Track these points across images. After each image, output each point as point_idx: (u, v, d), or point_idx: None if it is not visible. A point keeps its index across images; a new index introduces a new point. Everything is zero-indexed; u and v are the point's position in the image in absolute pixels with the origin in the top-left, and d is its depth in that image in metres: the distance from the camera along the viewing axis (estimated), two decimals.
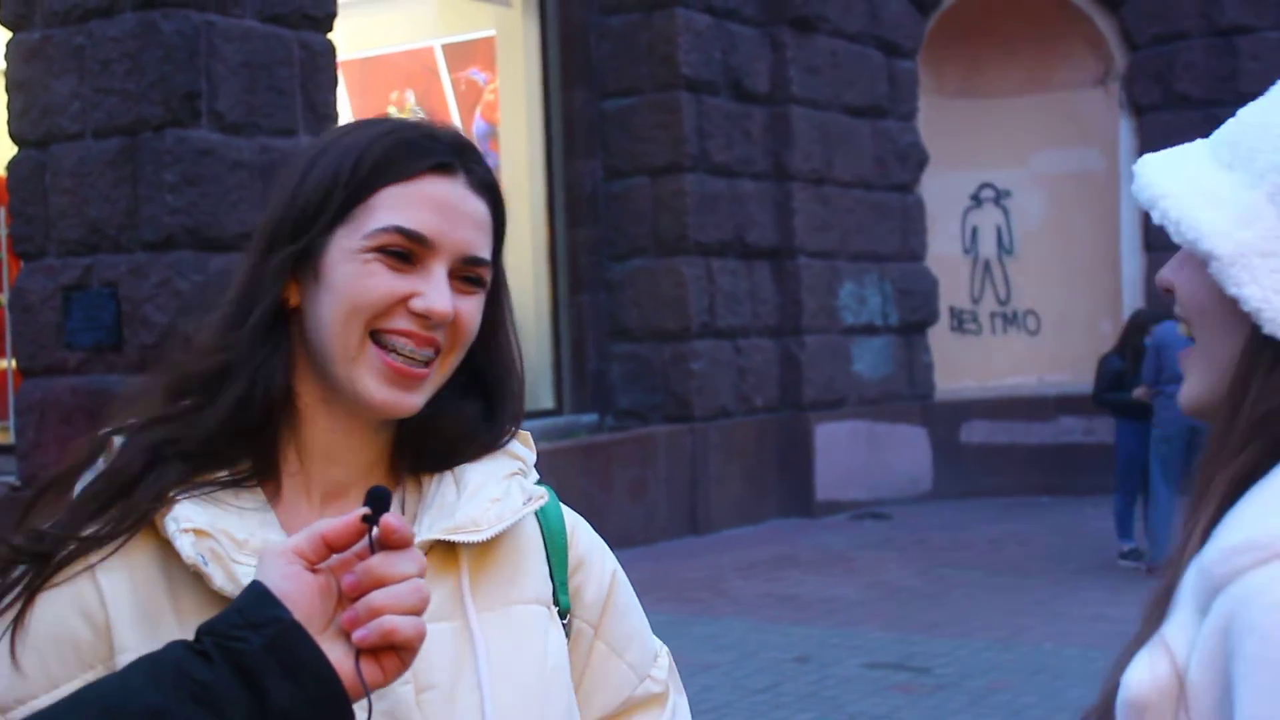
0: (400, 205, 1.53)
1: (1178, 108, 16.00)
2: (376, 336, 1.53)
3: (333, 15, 10.23)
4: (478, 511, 1.55)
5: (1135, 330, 11.63)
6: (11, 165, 10.00)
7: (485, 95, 14.11)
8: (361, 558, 1.38)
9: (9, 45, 9.92)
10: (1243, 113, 1.44)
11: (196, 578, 1.46)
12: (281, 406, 1.56)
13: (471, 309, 1.57)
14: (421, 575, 1.39)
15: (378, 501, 1.38)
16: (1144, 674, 1.27)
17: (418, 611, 1.36)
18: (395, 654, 1.35)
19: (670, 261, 12.93)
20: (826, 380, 14.03)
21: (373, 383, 1.52)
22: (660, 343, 13.00)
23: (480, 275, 1.58)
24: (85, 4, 9.50)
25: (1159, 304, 12.54)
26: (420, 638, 1.36)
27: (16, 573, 1.48)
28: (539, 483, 1.66)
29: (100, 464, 1.55)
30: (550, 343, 13.22)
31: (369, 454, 1.60)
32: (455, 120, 13.95)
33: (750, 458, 13.28)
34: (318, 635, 1.33)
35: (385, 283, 1.52)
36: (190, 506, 1.49)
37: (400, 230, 1.52)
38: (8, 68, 9.97)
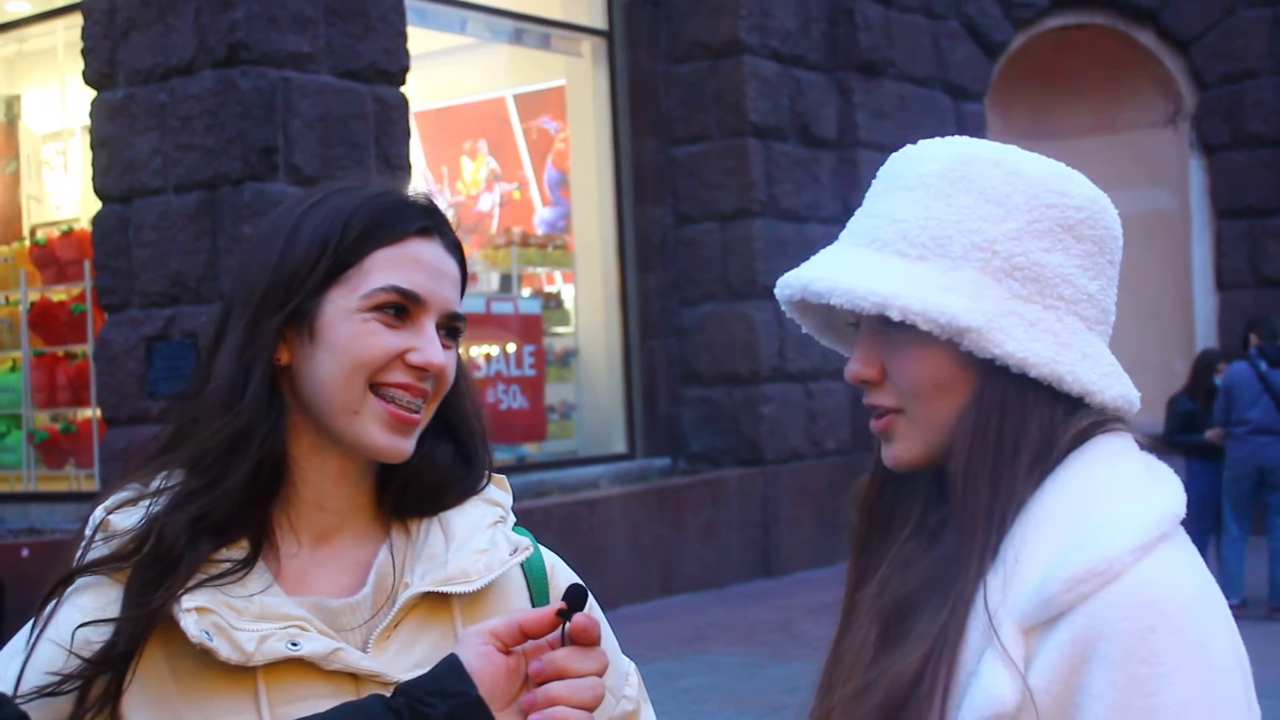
0: (393, 266, 1.64)
1: (1248, 146, 15.96)
2: (375, 389, 1.63)
3: (405, 69, 10.43)
4: (467, 563, 1.66)
5: (1204, 370, 11.58)
6: (96, 220, 10.25)
7: (556, 144, 14.28)
8: (553, 647, 1.53)
9: (93, 104, 10.19)
10: (891, 212, 1.65)
11: (198, 652, 1.55)
12: (280, 464, 1.65)
13: (453, 359, 1.70)
14: (601, 674, 1.54)
15: (575, 599, 1.54)
16: (1005, 689, 1.47)
17: (590, 707, 1.52)
18: None
19: (740, 306, 13.02)
20: None
21: (377, 431, 1.63)
22: (731, 386, 13.07)
23: (459, 329, 1.71)
24: (166, 63, 9.75)
25: (1229, 344, 12.50)
26: None
27: (100, 688, 1.56)
28: (517, 527, 1.77)
29: (99, 539, 1.63)
30: (622, 387, 13.33)
31: (357, 499, 1.71)
32: (527, 168, 14.18)
33: (822, 500, 13.30)
34: (498, 711, 1.50)
35: (385, 340, 1.63)
36: (199, 592, 1.57)
37: (398, 290, 1.63)
38: (92, 125, 10.24)
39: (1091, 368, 1.62)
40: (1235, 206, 16.30)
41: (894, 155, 1.74)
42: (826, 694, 1.72)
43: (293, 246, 1.65)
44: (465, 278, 1.74)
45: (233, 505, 1.61)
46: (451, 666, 1.50)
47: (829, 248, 1.72)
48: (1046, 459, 1.60)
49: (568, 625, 1.52)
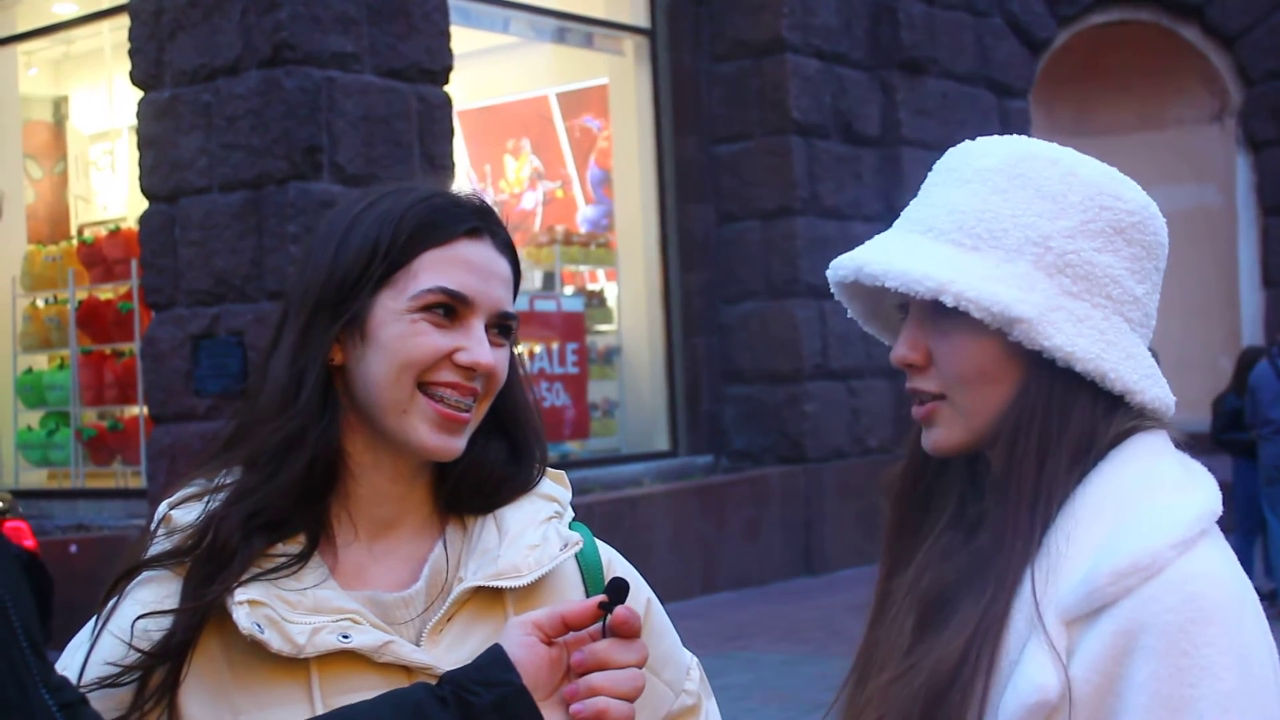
0: (441, 267, 1.67)
1: None
2: (424, 388, 1.66)
3: (449, 68, 10.47)
4: (518, 558, 1.68)
5: (1248, 367, 11.49)
6: (143, 219, 10.34)
7: (599, 142, 14.30)
8: (594, 638, 1.56)
9: (140, 104, 10.27)
10: (949, 202, 1.69)
11: (252, 644, 1.58)
12: (334, 462, 1.68)
13: (503, 359, 1.72)
14: (641, 665, 1.57)
15: (617, 592, 1.56)
16: (1049, 679, 1.51)
17: (631, 698, 1.55)
18: None
19: (782, 304, 13.01)
20: None
21: (425, 430, 1.66)
22: (773, 384, 13.07)
23: (511, 327, 1.73)
24: (212, 63, 9.82)
25: (1273, 342, 12.43)
26: None
27: (158, 679, 1.60)
28: (574, 522, 1.79)
29: (162, 533, 1.67)
30: (665, 385, 13.34)
31: (413, 496, 1.73)
32: (570, 167, 14.21)
33: (864, 498, 13.25)
34: (541, 701, 1.52)
35: (433, 340, 1.65)
36: (253, 586, 1.60)
37: (445, 291, 1.66)
38: (139, 125, 10.33)
39: (1133, 368, 1.66)
40: None
41: (950, 150, 1.78)
42: (861, 683, 1.76)
43: (345, 249, 1.68)
44: (518, 276, 1.77)
45: (287, 501, 1.64)
46: (496, 656, 1.53)
47: (883, 234, 1.75)
48: (1086, 454, 1.64)
49: (609, 617, 1.55)
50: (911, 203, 1.77)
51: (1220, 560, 1.57)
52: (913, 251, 1.67)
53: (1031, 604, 1.57)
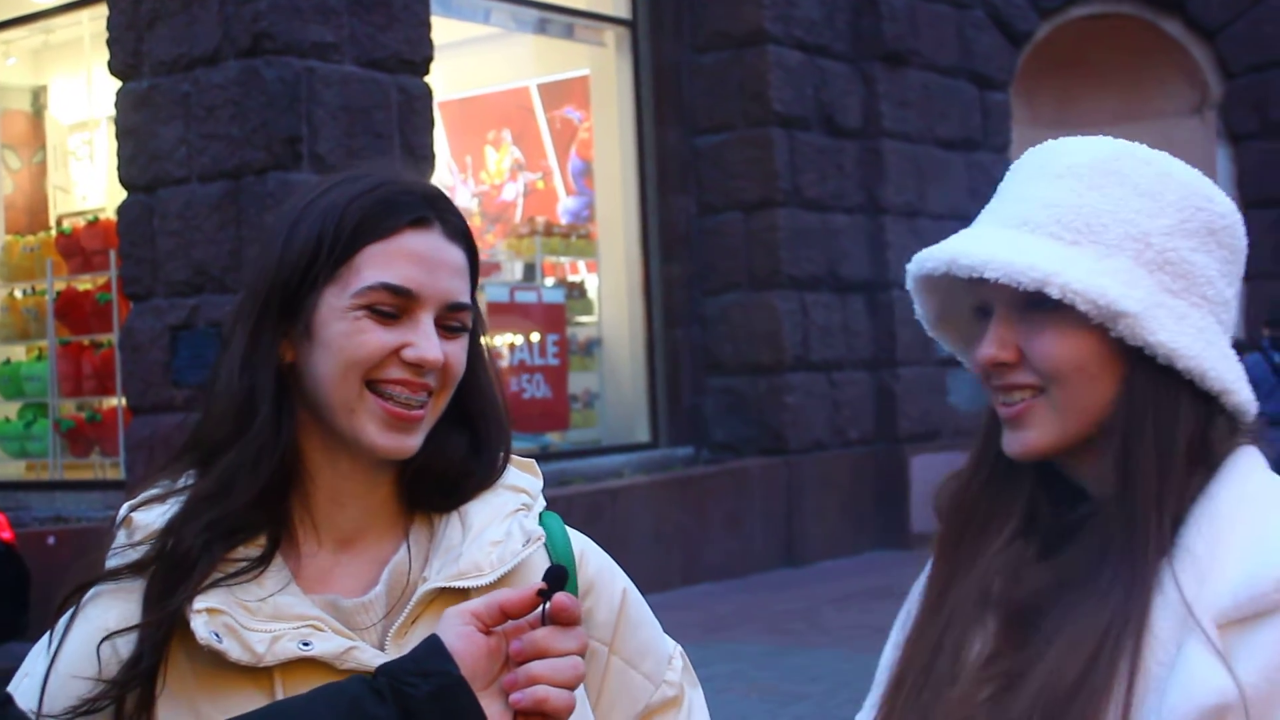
0: (383, 262, 1.62)
1: (1275, 136, 15.87)
2: (373, 386, 1.62)
3: (429, 59, 10.44)
4: (480, 556, 1.64)
5: None
6: (121, 210, 10.29)
7: (580, 133, 14.28)
8: (533, 626, 1.52)
9: (119, 94, 10.22)
10: (1042, 197, 1.65)
11: (215, 652, 1.55)
12: (290, 463, 1.65)
13: (458, 351, 1.67)
14: (581, 653, 1.53)
15: (555, 579, 1.53)
16: (1225, 681, 1.47)
17: (571, 686, 1.51)
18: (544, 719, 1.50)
19: (764, 295, 13.00)
20: (921, 412, 14.02)
21: (374, 430, 1.62)
22: (755, 376, 13.06)
23: (463, 320, 1.68)
24: (191, 53, 9.78)
25: (1255, 335, 12.46)
26: (569, 710, 1.51)
27: (132, 703, 1.57)
28: (546, 510, 1.75)
29: (122, 537, 1.65)
30: (645, 377, 13.33)
31: (374, 496, 1.70)
32: (551, 158, 14.19)
33: (845, 490, 13.30)
34: (480, 691, 1.48)
35: (377, 337, 1.61)
36: (212, 593, 1.58)
37: (387, 287, 1.61)
38: (118, 116, 10.27)
39: (1230, 368, 1.66)
40: (1262, 196, 16.22)
41: (1031, 150, 1.76)
42: (919, 690, 1.72)
43: (290, 246, 1.65)
44: (475, 263, 1.72)
45: (246, 508, 1.61)
46: (433, 647, 1.49)
47: (971, 228, 1.72)
48: (1204, 456, 1.63)
49: (548, 605, 1.52)
50: (993, 201, 1.74)
51: None
52: (1011, 244, 1.64)
53: (1181, 606, 1.54)
